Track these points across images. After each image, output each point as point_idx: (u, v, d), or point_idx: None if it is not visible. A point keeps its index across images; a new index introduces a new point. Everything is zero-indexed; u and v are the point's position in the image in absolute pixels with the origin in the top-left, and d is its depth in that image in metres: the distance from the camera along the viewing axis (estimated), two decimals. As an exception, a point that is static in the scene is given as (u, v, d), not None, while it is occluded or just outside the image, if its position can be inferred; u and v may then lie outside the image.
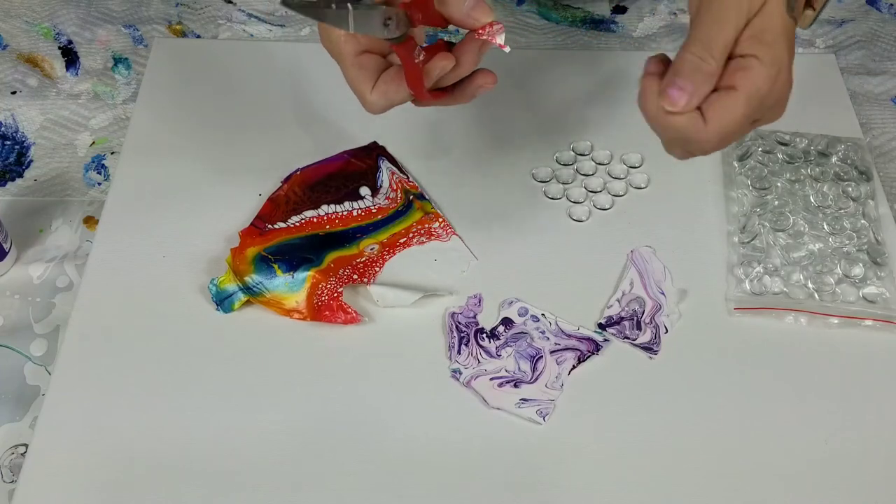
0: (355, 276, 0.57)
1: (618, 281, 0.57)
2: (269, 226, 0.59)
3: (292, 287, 0.55)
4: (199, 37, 0.75)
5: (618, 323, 0.55)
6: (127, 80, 0.72)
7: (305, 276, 0.55)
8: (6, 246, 0.58)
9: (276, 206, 0.60)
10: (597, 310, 0.56)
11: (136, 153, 0.64)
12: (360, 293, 0.57)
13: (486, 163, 0.64)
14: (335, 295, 0.55)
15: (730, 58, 0.43)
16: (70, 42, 0.74)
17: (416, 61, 0.44)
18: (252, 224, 0.59)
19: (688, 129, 0.43)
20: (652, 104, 0.43)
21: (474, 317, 0.55)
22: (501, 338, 0.55)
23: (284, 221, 0.59)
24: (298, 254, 0.57)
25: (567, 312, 0.56)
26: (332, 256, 0.57)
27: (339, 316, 0.55)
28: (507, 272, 0.58)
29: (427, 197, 0.61)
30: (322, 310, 0.55)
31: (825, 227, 0.59)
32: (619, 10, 0.78)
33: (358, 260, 0.58)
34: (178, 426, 0.51)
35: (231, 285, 0.55)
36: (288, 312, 0.55)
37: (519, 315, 0.56)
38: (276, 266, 0.56)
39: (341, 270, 0.57)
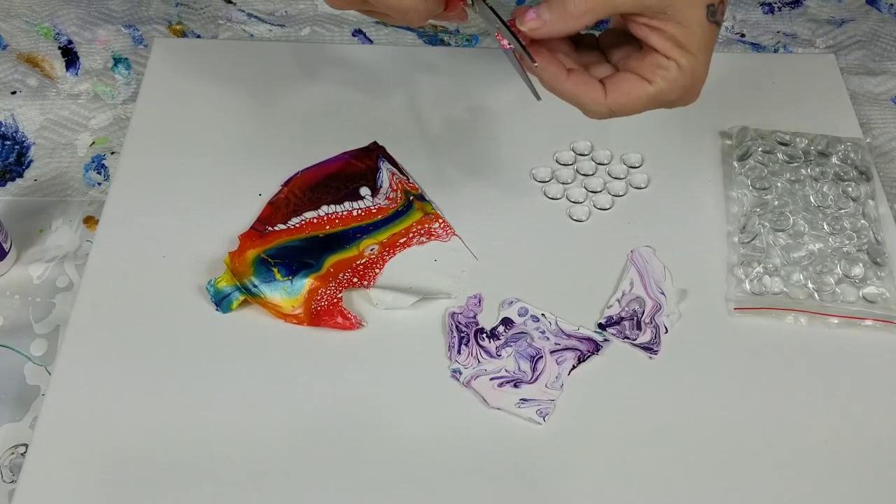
0: (355, 280, 0.57)
1: (618, 281, 0.57)
2: (270, 228, 0.59)
3: (290, 292, 0.55)
4: (199, 37, 0.75)
5: (618, 323, 0.55)
6: (127, 80, 0.72)
7: (304, 282, 0.56)
8: (6, 246, 0.58)
9: (277, 209, 0.60)
10: (597, 310, 0.56)
11: (136, 153, 0.64)
12: (359, 296, 0.57)
13: (486, 163, 0.64)
14: (335, 301, 0.55)
15: (654, 49, 0.44)
16: (70, 42, 0.74)
17: None
18: (252, 227, 0.59)
19: (585, 99, 0.45)
20: (548, 77, 0.45)
21: (474, 317, 0.55)
22: (501, 338, 0.55)
23: (284, 223, 0.59)
24: (298, 258, 0.57)
25: (567, 312, 0.56)
26: (331, 260, 0.57)
27: (338, 322, 0.55)
28: (507, 272, 0.58)
29: (427, 198, 0.61)
30: (321, 315, 0.55)
31: (825, 227, 0.59)
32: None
33: (358, 262, 0.58)
34: (178, 426, 0.51)
35: (229, 286, 0.55)
36: (284, 317, 0.55)
37: (519, 315, 0.56)
38: (275, 270, 0.56)
39: (341, 275, 0.57)
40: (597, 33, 0.50)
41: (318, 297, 0.56)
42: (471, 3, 0.45)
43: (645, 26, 0.44)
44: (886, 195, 0.63)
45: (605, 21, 0.48)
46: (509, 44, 0.45)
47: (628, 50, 0.47)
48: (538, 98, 0.47)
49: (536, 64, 0.44)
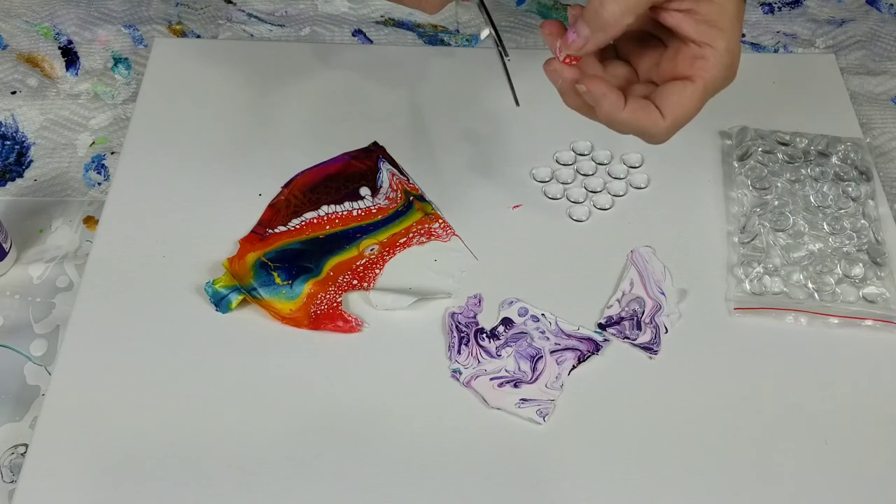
0: (355, 282, 0.57)
1: (618, 281, 0.58)
2: (270, 230, 0.59)
3: (290, 296, 0.55)
4: (199, 37, 0.75)
5: (618, 323, 0.55)
6: (127, 80, 0.72)
7: (303, 287, 0.56)
8: (6, 246, 0.58)
9: (277, 212, 0.60)
10: (597, 310, 0.56)
11: (136, 153, 0.64)
12: (359, 296, 0.57)
13: (486, 163, 0.64)
14: (335, 304, 0.55)
15: (683, 41, 0.44)
16: (70, 42, 0.74)
17: None
18: (252, 231, 0.59)
19: (646, 126, 0.44)
20: (606, 106, 0.43)
21: (474, 317, 0.55)
22: (501, 338, 0.55)
23: (285, 225, 0.59)
24: (298, 262, 0.57)
25: (567, 312, 0.56)
26: (331, 263, 0.57)
27: (339, 325, 0.55)
28: (507, 272, 0.58)
29: (427, 199, 0.61)
30: (322, 319, 0.55)
31: (825, 227, 0.59)
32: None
33: (357, 263, 0.58)
34: (178, 426, 0.51)
35: (227, 287, 0.55)
36: (283, 319, 0.55)
37: (519, 315, 0.56)
38: (275, 274, 0.56)
39: (340, 278, 0.57)
40: None
41: (318, 302, 0.56)
42: None
43: (676, 11, 0.43)
44: (886, 195, 0.63)
45: None
46: (496, 42, 0.45)
47: (654, 55, 0.46)
48: (517, 104, 0.47)
49: (509, 58, 0.44)
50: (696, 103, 0.44)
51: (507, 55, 0.44)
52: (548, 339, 0.55)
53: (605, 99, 0.43)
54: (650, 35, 0.46)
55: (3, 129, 0.68)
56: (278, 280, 0.56)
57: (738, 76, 0.70)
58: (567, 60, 0.44)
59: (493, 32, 0.44)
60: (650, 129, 0.44)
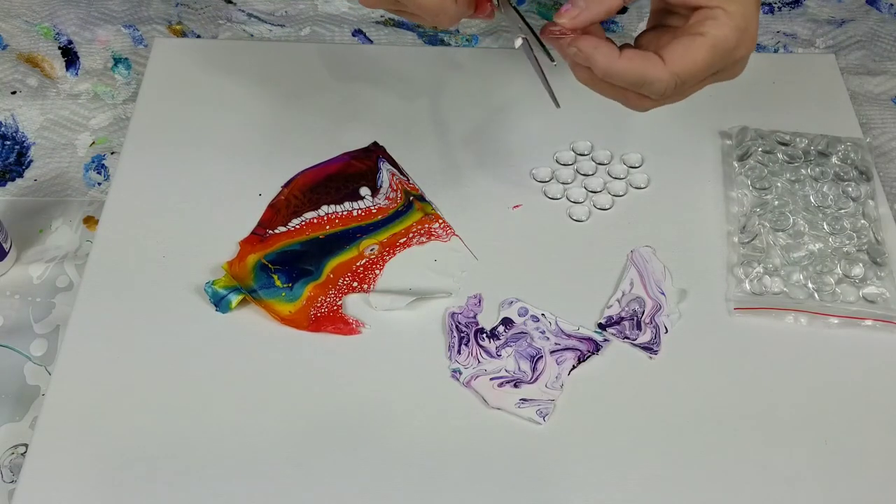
0: (355, 284, 0.57)
1: (618, 281, 0.57)
2: (270, 231, 0.59)
3: (289, 298, 0.55)
4: (199, 37, 0.75)
5: (618, 323, 0.55)
6: (127, 80, 0.72)
7: (303, 291, 0.56)
8: (6, 246, 0.58)
9: (277, 212, 0.60)
10: (597, 310, 0.56)
11: (136, 153, 0.64)
12: (359, 297, 0.57)
13: (487, 163, 0.64)
14: (335, 307, 0.55)
15: (696, 9, 0.42)
16: (70, 42, 0.74)
17: None
18: (252, 232, 0.59)
19: (646, 73, 0.41)
20: (600, 58, 0.41)
21: (474, 317, 0.55)
22: (501, 338, 0.55)
23: (285, 225, 0.59)
24: (298, 264, 0.57)
25: (567, 312, 0.56)
26: (331, 265, 0.57)
27: (339, 328, 0.55)
28: (507, 272, 0.58)
29: (427, 199, 0.61)
30: (322, 322, 0.55)
31: (825, 227, 0.59)
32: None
33: (358, 263, 0.58)
34: (178, 426, 0.51)
35: (227, 288, 0.55)
36: (283, 320, 0.55)
37: (519, 315, 0.56)
38: (275, 277, 0.56)
39: (341, 280, 0.57)
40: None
41: (318, 305, 0.56)
42: (497, 3, 0.45)
43: None
44: (886, 195, 0.63)
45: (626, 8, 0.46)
46: (531, 46, 0.44)
47: (655, 34, 0.45)
48: (557, 106, 0.45)
49: (555, 63, 0.42)
50: (703, 56, 0.41)
51: (552, 60, 0.43)
52: (548, 339, 0.55)
53: (597, 51, 0.41)
54: (668, 30, 0.45)
55: (3, 129, 0.68)
56: (278, 283, 0.56)
57: (739, 76, 0.70)
58: (559, 33, 0.43)
59: (533, 37, 0.43)
60: (650, 77, 0.41)
